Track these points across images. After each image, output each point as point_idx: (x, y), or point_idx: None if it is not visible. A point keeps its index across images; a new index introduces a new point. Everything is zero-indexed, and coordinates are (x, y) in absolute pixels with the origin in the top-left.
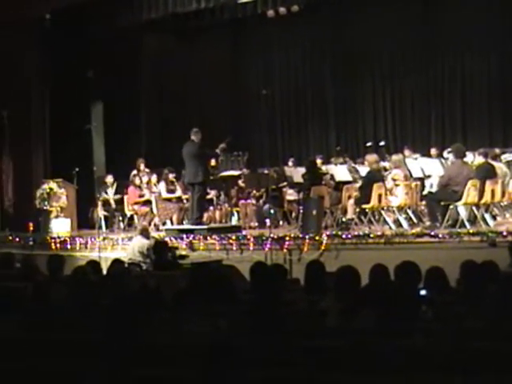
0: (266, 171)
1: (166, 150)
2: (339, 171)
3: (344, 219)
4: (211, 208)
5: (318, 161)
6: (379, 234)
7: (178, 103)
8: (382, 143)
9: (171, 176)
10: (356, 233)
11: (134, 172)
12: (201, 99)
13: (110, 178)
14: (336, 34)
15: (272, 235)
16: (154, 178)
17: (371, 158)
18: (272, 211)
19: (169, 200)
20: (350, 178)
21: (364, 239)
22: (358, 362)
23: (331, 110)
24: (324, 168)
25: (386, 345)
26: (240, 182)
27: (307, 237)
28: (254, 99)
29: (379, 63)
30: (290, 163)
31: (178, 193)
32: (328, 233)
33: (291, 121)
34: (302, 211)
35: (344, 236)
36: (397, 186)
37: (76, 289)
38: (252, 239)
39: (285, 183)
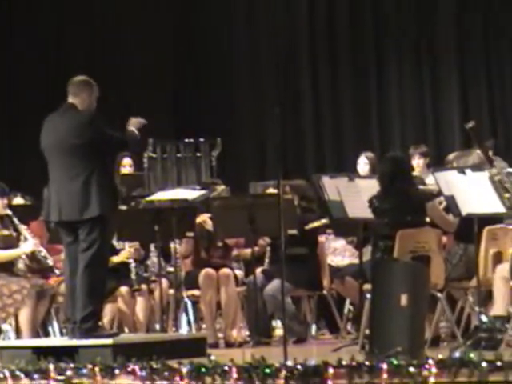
0: (271, 189)
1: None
2: (470, 187)
3: (485, 318)
4: (124, 289)
5: (416, 161)
6: None
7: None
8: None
9: (1, 204)
10: None
11: None
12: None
13: None
14: None
15: (290, 363)
16: None
17: None
18: (289, 300)
19: (9, 269)
20: (500, 209)
21: None
22: None
23: (451, 35)
24: (429, 180)
25: None
26: (204, 220)
27: (384, 366)
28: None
29: None
30: (363, 162)
31: (29, 246)
32: (441, 356)
33: (339, 58)
34: (369, 298)
35: (485, 364)
36: None
37: None
38: (235, 374)
39: (322, 222)
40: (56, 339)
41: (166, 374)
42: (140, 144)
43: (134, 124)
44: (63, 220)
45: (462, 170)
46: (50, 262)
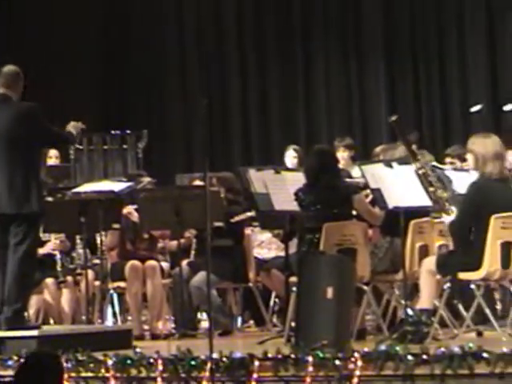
0: (197, 181)
1: None
2: (397, 181)
3: (411, 312)
4: (50, 280)
5: (341, 154)
6: (506, 351)
7: None
8: (509, 107)
9: None
10: (442, 349)
11: None
12: None
13: None
14: None
15: (216, 356)
16: None
17: (485, 142)
18: (215, 292)
19: None
20: (427, 202)
21: (463, 364)
22: None
23: (375, 27)
24: (355, 173)
25: None
26: (129, 211)
27: (310, 359)
28: None
29: None
30: (291, 155)
31: None
32: (367, 349)
33: (267, 51)
34: (295, 290)
35: (411, 357)
36: None
37: None
38: (161, 366)
39: (248, 214)
40: None
41: (92, 365)
42: (74, 141)
43: (73, 127)
44: (2, 212)
45: (388, 163)
46: None
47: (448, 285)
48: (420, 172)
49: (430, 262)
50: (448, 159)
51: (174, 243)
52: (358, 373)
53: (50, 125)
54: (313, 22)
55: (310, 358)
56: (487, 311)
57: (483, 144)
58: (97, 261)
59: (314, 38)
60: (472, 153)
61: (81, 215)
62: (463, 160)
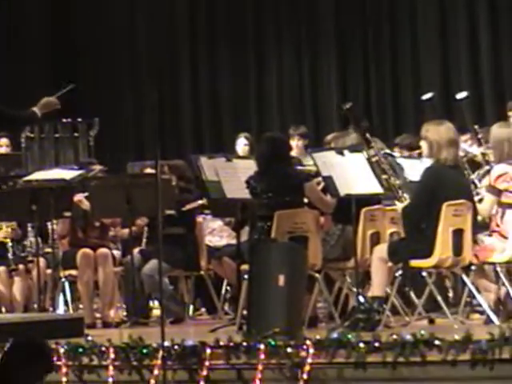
0: (148, 169)
1: None
2: (348, 168)
3: (363, 299)
4: (1, 268)
5: (295, 142)
6: (458, 338)
7: None
8: (461, 95)
9: None
10: (394, 336)
11: None
12: None
13: None
14: None
15: (168, 343)
16: None
17: (439, 129)
18: (167, 280)
19: None
20: (377, 189)
21: (415, 352)
22: None
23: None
24: (308, 162)
25: None
26: (79, 199)
27: (262, 346)
28: None
29: None
30: (242, 143)
31: None
32: (319, 336)
33: (218, 38)
34: (246, 278)
35: (363, 344)
36: (504, 204)
37: None
38: (112, 354)
39: (200, 202)
40: None
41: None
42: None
43: (44, 105)
44: None
45: (340, 151)
46: None
47: (400, 272)
48: (373, 159)
49: (382, 250)
50: (396, 149)
51: (126, 231)
52: (309, 360)
53: (4, 107)
54: (264, 5)
55: (262, 346)
56: (439, 299)
57: (437, 131)
58: (48, 249)
59: (266, 26)
60: (426, 140)
61: (32, 203)
62: (411, 149)
